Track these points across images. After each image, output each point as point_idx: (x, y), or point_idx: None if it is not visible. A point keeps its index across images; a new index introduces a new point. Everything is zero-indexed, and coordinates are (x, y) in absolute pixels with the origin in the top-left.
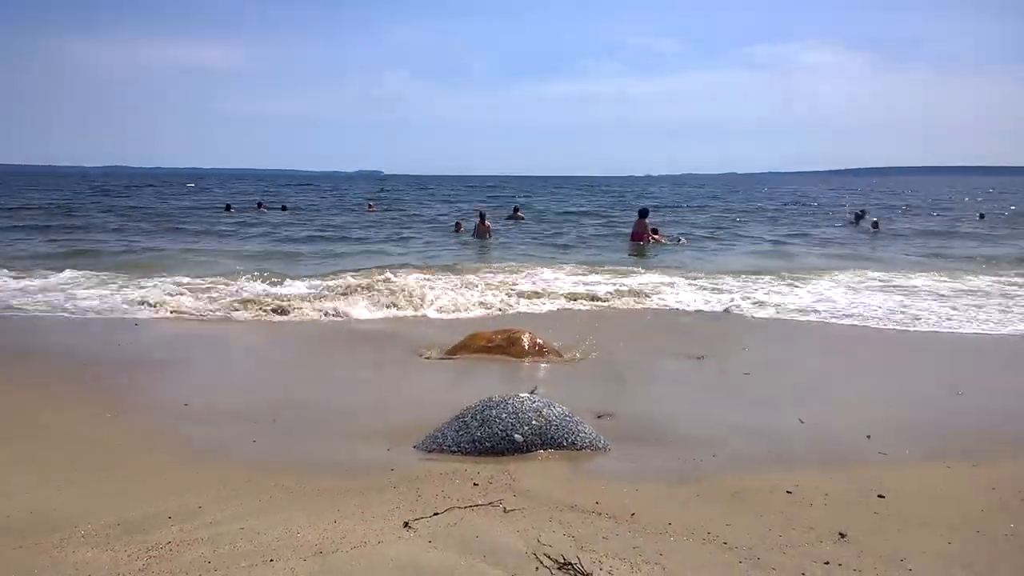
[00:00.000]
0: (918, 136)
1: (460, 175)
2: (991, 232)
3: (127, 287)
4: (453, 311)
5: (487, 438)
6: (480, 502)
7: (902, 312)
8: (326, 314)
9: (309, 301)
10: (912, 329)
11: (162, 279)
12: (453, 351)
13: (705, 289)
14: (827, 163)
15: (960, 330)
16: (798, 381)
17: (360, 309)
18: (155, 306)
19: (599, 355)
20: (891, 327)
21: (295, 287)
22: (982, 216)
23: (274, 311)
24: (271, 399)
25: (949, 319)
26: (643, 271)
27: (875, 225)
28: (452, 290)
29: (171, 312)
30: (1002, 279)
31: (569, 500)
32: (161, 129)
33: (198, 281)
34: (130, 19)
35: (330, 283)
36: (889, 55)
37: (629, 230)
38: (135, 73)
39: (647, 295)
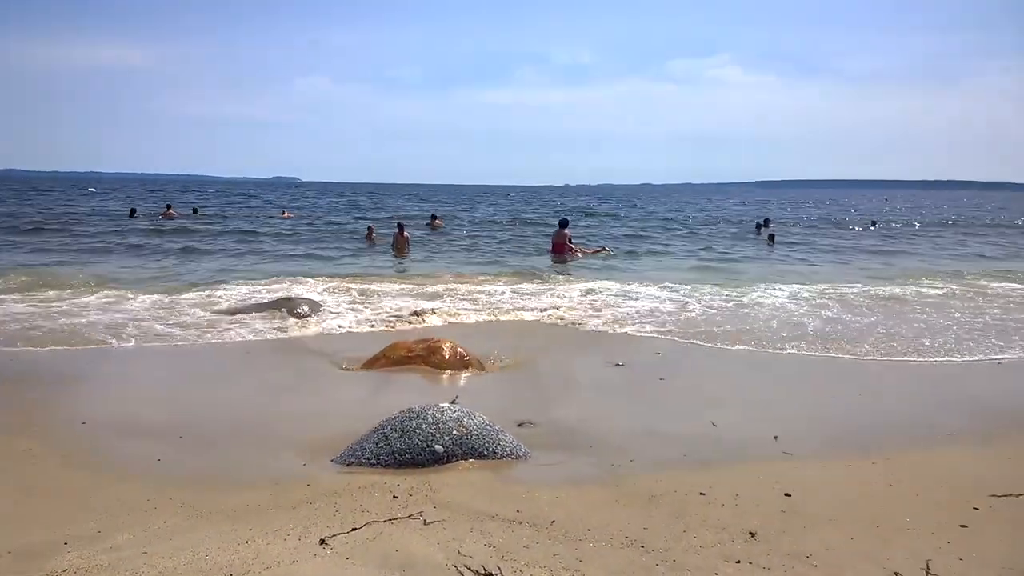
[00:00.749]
0: (823, 151)
1: (383, 183)
2: (881, 239)
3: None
4: (371, 322)
5: (407, 449)
6: (400, 515)
7: (801, 320)
8: (240, 326)
9: (219, 314)
10: (814, 334)
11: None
12: (372, 362)
13: (629, 298)
14: (739, 175)
15: (861, 336)
16: (711, 386)
17: (274, 321)
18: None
19: (521, 364)
20: (794, 334)
21: (195, 295)
22: (874, 223)
23: (179, 326)
24: (178, 416)
25: (849, 324)
26: (565, 280)
27: (771, 238)
28: (370, 300)
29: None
30: (883, 289)
31: (490, 509)
32: (57, 131)
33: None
34: (18, 16)
35: (238, 293)
36: (795, 72)
37: (549, 240)
38: (27, 72)
39: (568, 304)
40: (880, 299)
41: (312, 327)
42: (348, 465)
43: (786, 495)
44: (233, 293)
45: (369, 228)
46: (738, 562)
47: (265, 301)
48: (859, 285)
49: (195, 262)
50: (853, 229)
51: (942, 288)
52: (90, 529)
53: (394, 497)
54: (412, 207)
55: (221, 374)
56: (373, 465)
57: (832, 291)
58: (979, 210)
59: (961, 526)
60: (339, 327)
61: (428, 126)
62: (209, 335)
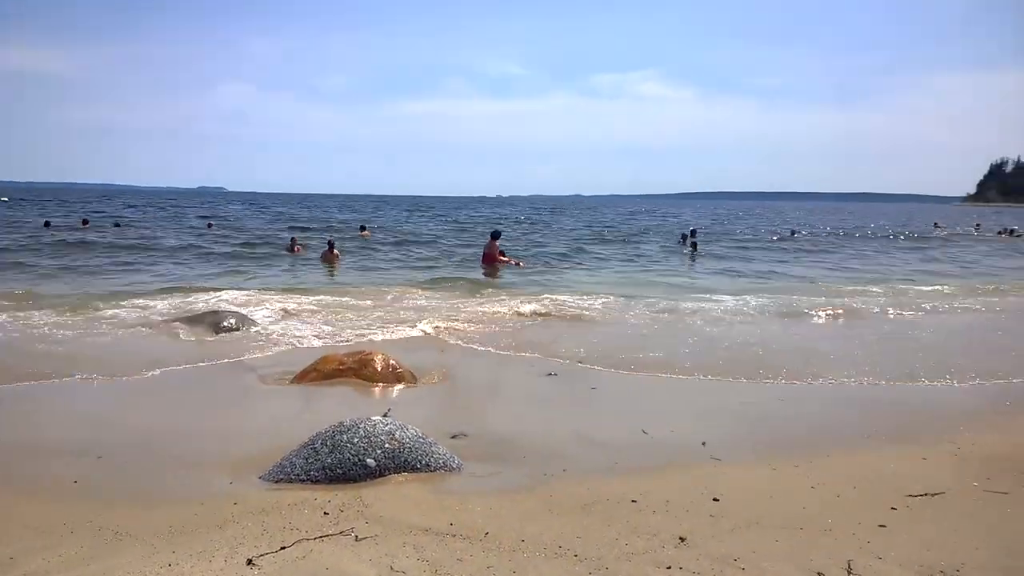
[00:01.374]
0: (743, 163)
1: (311, 193)
2: (799, 249)
3: None
4: (300, 335)
5: (338, 464)
6: (330, 532)
7: (719, 326)
8: (162, 341)
9: (139, 328)
10: (741, 341)
11: None
12: (302, 376)
13: (559, 307)
14: (666, 187)
15: (780, 341)
16: (642, 395)
17: (199, 335)
18: None
19: (454, 376)
20: (718, 340)
21: (121, 311)
22: (793, 233)
23: (94, 343)
24: (95, 435)
25: (766, 330)
26: (497, 291)
27: (694, 247)
28: (298, 313)
29: None
30: (801, 296)
31: (423, 523)
32: None
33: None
34: None
35: (160, 307)
36: (714, 87)
37: (481, 251)
38: None
39: (500, 315)
40: (796, 310)
41: (239, 341)
42: (277, 482)
43: (714, 500)
44: (155, 307)
45: (293, 240)
46: (668, 567)
47: (188, 315)
48: (778, 296)
49: (114, 275)
50: (773, 240)
51: (866, 298)
52: (1, 556)
53: (325, 513)
54: (341, 217)
55: (142, 391)
56: (303, 481)
57: (755, 300)
58: (889, 221)
59: (880, 526)
60: (267, 340)
61: (355, 136)
62: (129, 350)
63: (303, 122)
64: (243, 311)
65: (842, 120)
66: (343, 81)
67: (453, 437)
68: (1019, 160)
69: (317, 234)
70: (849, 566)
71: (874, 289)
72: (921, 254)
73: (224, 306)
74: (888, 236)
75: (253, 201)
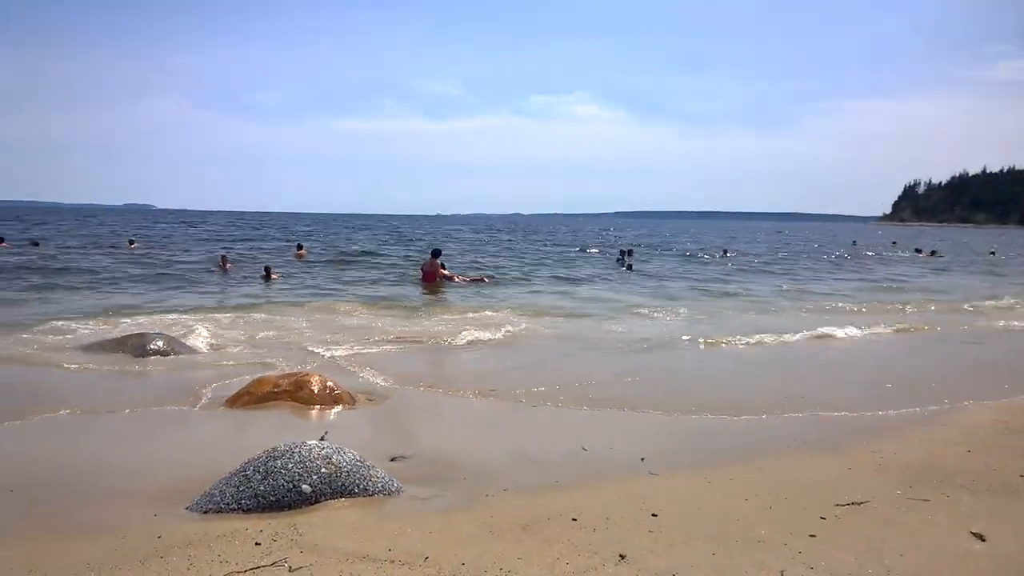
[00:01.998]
0: (674, 183)
1: (243, 211)
2: (729, 271)
3: None
4: (233, 357)
5: (271, 491)
6: (263, 563)
7: (650, 338)
8: (83, 367)
9: (57, 353)
10: (671, 353)
11: None
12: (235, 400)
13: (499, 325)
14: (602, 206)
15: (707, 351)
16: (580, 411)
17: (123, 360)
18: None
19: (394, 396)
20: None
21: (38, 335)
22: (725, 252)
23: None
24: (8, 468)
25: (692, 339)
26: (437, 309)
27: (629, 267)
28: (231, 333)
29: None
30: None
31: (360, 550)
32: None
33: None
34: None
35: (81, 331)
36: (645, 110)
37: (420, 269)
38: None
39: (439, 333)
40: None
41: (166, 364)
42: (205, 512)
43: (653, 515)
44: (75, 331)
45: (223, 257)
46: None
47: (112, 338)
48: (717, 309)
49: (31, 299)
50: (704, 258)
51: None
52: None
53: (256, 544)
54: (276, 235)
55: (59, 420)
56: (233, 510)
57: (684, 311)
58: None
59: (810, 536)
60: (197, 363)
61: (288, 153)
62: (45, 379)
63: (235, 138)
64: (170, 333)
65: (765, 144)
66: (275, 97)
67: (392, 460)
68: (930, 182)
69: (249, 252)
70: None
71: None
72: (855, 271)
73: (150, 328)
74: (826, 256)
75: (183, 219)
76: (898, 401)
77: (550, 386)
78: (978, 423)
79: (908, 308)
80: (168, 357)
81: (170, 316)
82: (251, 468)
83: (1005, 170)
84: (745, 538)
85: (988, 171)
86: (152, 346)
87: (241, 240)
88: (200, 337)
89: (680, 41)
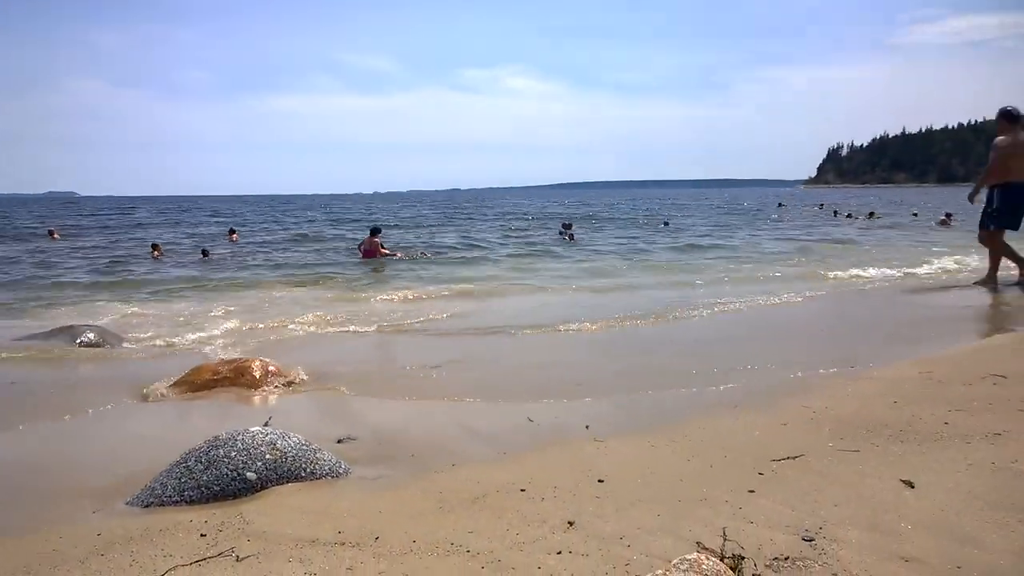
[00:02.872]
0: (611, 153)
1: (173, 195)
2: (675, 235)
3: None
4: (169, 344)
5: (215, 481)
6: (209, 554)
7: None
8: (10, 362)
9: None
10: (602, 320)
11: None
12: (173, 389)
13: (446, 299)
14: (542, 179)
15: (644, 318)
16: (526, 381)
17: (54, 354)
18: None
19: (339, 376)
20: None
21: None
22: (666, 223)
23: None
24: None
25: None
26: (378, 286)
27: (571, 236)
28: (166, 321)
29: None
30: (674, 277)
31: (309, 535)
32: None
33: None
34: None
35: (6, 323)
36: (578, 81)
37: (359, 248)
38: None
39: (381, 310)
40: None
41: (99, 356)
42: (147, 506)
43: (599, 481)
44: None
45: (154, 245)
46: (559, 553)
47: (38, 332)
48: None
49: None
50: (647, 228)
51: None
52: None
53: (202, 535)
54: (208, 220)
55: None
56: (176, 503)
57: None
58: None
59: (750, 491)
60: (131, 353)
61: (219, 133)
62: None
63: (161, 120)
64: (101, 323)
65: (698, 112)
66: (203, 76)
67: (339, 441)
68: (852, 144)
69: (180, 239)
70: (724, 533)
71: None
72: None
73: (80, 320)
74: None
75: (108, 206)
76: (828, 358)
77: (488, 360)
78: (903, 376)
79: (832, 274)
80: (100, 349)
81: (99, 306)
82: (192, 458)
83: (923, 131)
84: (689, 497)
85: (907, 132)
86: (83, 338)
87: (172, 226)
88: (133, 326)
89: (610, 12)
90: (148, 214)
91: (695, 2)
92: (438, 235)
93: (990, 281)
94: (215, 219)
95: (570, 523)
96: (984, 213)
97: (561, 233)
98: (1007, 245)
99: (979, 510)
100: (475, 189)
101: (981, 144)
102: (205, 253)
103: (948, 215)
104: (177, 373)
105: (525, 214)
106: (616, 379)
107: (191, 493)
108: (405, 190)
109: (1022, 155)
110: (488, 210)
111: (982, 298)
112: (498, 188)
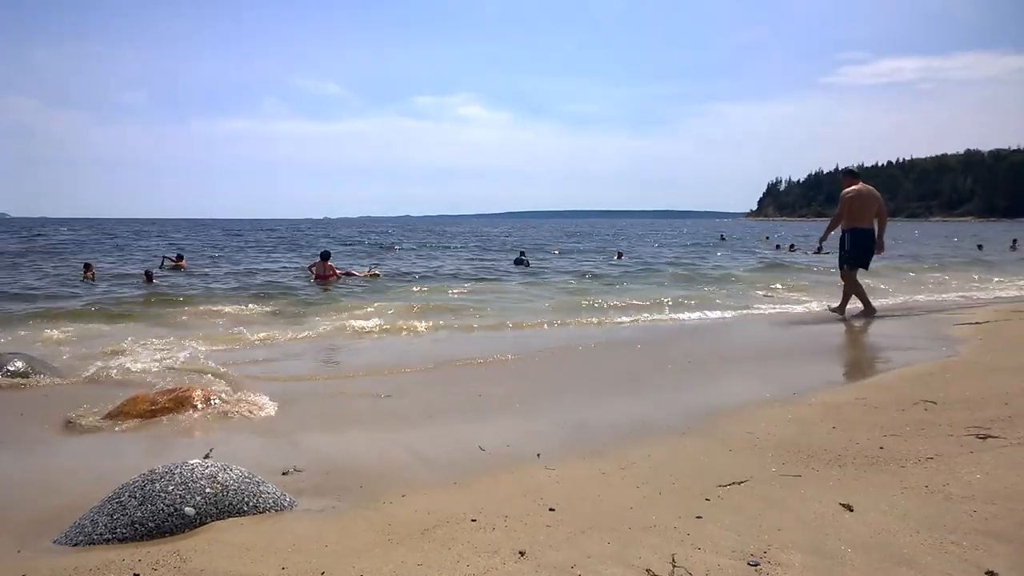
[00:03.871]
0: (560, 183)
1: (108, 217)
2: (621, 265)
3: None
4: (104, 373)
5: (150, 517)
6: None
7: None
8: None
9: None
10: (555, 346)
11: None
12: (108, 420)
13: (399, 322)
14: (492, 207)
15: (573, 342)
16: (477, 408)
17: None
18: None
19: (285, 405)
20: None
21: None
22: (620, 255)
23: None
24: None
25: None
26: (329, 311)
27: (527, 263)
28: (100, 347)
29: None
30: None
31: (251, 572)
32: None
33: None
34: None
35: None
36: (528, 112)
37: (311, 271)
38: None
39: (335, 335)
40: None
41: (26, 386)
42: (76, 545)
43: (550, 510)
44: None
45: (87, 265)
46: None
47: None
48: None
49: None
50: (598, 259)
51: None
52: None
53: (135, 575)
54: (148, 244)
55: None
56: (108, 541)
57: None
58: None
59: (697, 517)
60: (63, 383)
61: (160, 155)
62: None
63: (100, 140)
64: (30, 352)
65: (643, 144)
66: (144, 96)
67: (284, 473)
68: (790, 179)
69: (114, 263)
70: (673, 560)
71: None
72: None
73: (5, 348)
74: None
75: (42, 228)
76: (768, 383)
77: (448, 387)
78: (840, 401)
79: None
80: (28, 378)
81: (26, 333)
82: (126, 494)
83: (854, 168)
84: (639, 524)
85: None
86: (10, 367)
87: (112, 248)
88: (64, 354)
89: (560, 44)
90: (86, 236)
91: (639, 39)
92: (406, 260)
93: (840, 311)
94: (159, 240)
95: (521, 553)
96: (840, 256)
97: (517, 261)
98: (859, 284)
99: (914, 532)
100: (427, 216)
101: (909, 182)
102: (149, 277)
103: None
104: (112, 403)
105: (482, 240)
106: (567, 407)
107: (124, 530)
108: (356, 215)
109: (865, 204)
110: (443, 236)
111: (839, 327)
112: (450, 215)
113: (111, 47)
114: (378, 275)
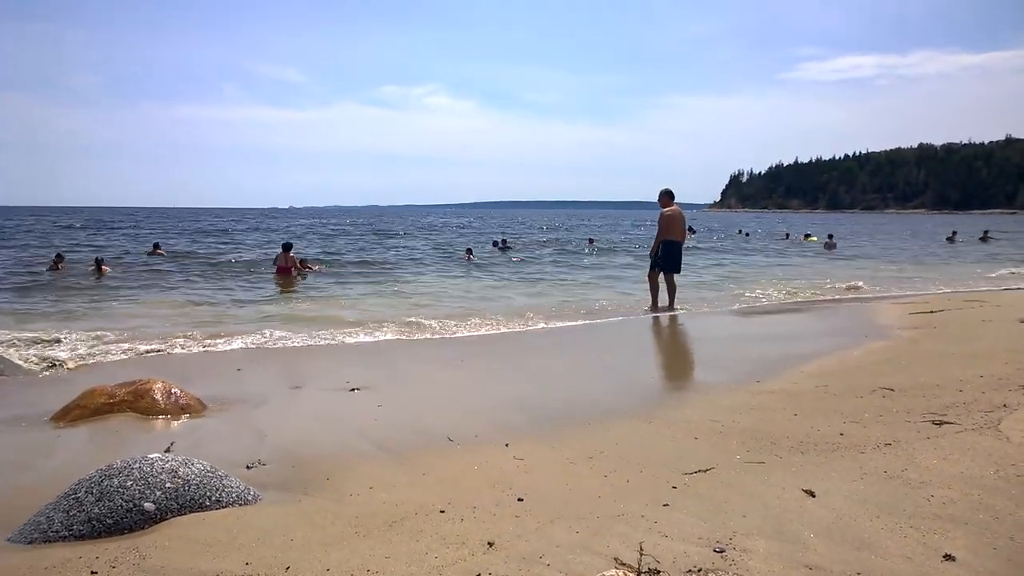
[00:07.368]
0: (524, 173)
1: (61, 206)
2: (597, 255)
3: None
4: (58, 363)
5: (108, 513)
6: None
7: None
8: None
9: None
10: (502, 331)
11: None
12: (63, 415)
13: (363, 313)
14: (458, 196)
15: (545, 326)
16: (445, 399)
17: None
18: None
19: (248, 398)
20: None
21: None
22: (591, 241)
23: None
24: None
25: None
26: (292, 301)
27: (505, 249)
28: (57, 338)
29: None
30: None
31: (214, 568)
32: None
33: None
34: None
35: None
36: (493, 101)
37: (274, 264)
38: None
39: (295, 328)
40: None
41: None
42: (31, 543)
43: (519, 500)
44: None
45: (58, 255)
46: (479, 574)
47: None
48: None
49: None
50: (572, 250)
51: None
52: None
53: (92, 573)
54: (111, 234)
55: None
56: (64, 538)
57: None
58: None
59: (664, 505)
60: (17, 378)
61: (114, 141)
62: None
63: (47, 125)
64: None
65: (608, 135)
66: (96, 80)
67: (249, 467)
68: (751, 171)
69: (79, 250)
70: (641, 547)
71: None
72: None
73: None
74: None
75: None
76: (730, 372)
77: (418, 380)
78: (801, 389)
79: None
80: None
81: None
82: (83, 489)
83: (813, 160)
84: (607, 513)
85: (799, 162)
86: None
87: (69, 237)
88: (16, 344)
89: (521, 35)
90: (41, 224)
91: (602, 31)
92: (344, 249)
93: (653, 309)
94: (128, 230)
95: (490, 544)
96: (652, 261)
97: (495, 245)
98: (657, 286)
99: (875, 517)
100: (393, 205)
101: (865, 175)
102: (99, 263)
103: (830, 236)
104: (67, 397)
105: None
106: (536, 397)
107: (81, 527)
108: (323, 205)
109: (676, 222)
110: (412, 226)
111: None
112: (416, 205)
113: (60, 26)
114: (325, 268)
